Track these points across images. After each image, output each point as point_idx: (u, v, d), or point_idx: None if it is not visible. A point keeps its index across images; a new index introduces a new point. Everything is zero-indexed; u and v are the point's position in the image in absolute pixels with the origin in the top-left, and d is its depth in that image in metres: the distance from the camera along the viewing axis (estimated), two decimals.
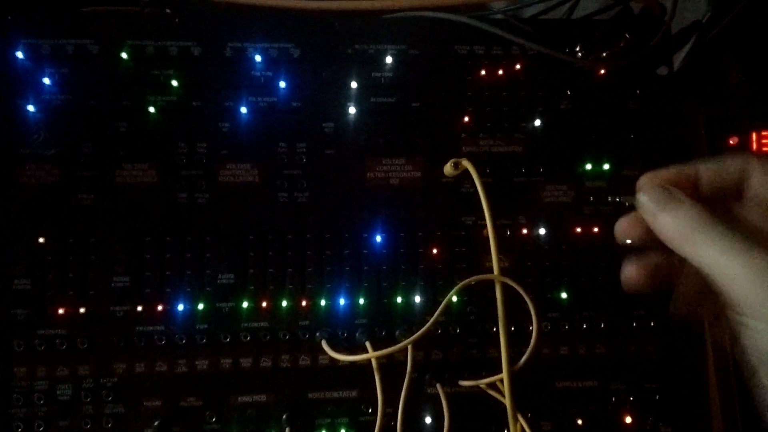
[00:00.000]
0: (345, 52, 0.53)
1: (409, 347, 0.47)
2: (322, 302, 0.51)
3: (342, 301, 0.51)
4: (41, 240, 0.49)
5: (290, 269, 0.51)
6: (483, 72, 0.54)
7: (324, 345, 0.49)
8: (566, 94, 0.55)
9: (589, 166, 0.54)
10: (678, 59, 0.65)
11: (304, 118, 0.53)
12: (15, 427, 0.48)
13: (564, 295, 0.53)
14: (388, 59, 0.53)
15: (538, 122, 0.54)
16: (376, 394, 0.48)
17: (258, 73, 0.52)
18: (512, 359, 0.46)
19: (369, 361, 0.48)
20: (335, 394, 0.51)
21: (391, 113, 0.54)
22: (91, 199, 0.49)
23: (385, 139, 0.53)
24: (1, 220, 0.48)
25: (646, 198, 0.35)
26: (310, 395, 0.51)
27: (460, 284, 0.47)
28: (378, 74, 0.53)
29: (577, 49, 0.55)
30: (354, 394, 0.51)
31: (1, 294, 0.48)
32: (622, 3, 0.54)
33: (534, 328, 0.47)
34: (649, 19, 0.53)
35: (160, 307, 0.50)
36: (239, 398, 0.50)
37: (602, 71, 0.55)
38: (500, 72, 0.54)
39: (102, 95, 0.50)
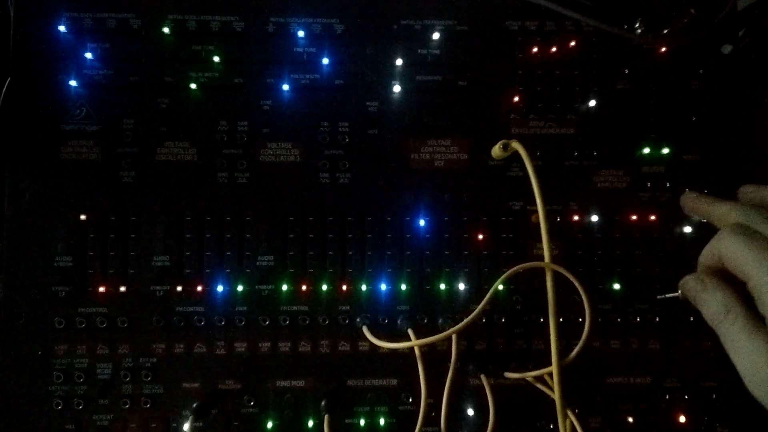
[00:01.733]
0: (390, 27, 0.51)
1: (454, 337, 0.45)
2: (363, 287, 0.50)
3: (383, 287, 0.50)
4: (83, 217, 0.48)
5: (331, 252, 0.50)
6: (535, 49, 0.51)
7: (365, 331, 0.47)
8: (624, 73, 0.52)
9: (646, 151, 0.51)
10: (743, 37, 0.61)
11: (347, 96, 0.51)
12: (55, 404, 0.47)
13: (617, 287, 0.50)
14: (435, 35, 0.51)
15: (592, 103, 0.51)
16: (416, 383, 0.46)
17: (301, 49, 0.50)
18: (561, 352, 0.44)
19: (410, 349, 0.46)
20: (375, 382, 0.50)
21: (437, 92, 0.51)
22: (132, 176, 0.49)
23: (431, 119, 0.51)
24: (44, 197, 0.48)
25: (683, 293, 0.37)
26: (349, 382, 0.50)
27: (509, 272, 0.44)
28: (424, 51, 0.51)
29: (637, 25, 0.51)
30: (394, 382, 0.50)
31: (42, 271, 0.48)
32: None
33: (587, 320, 0.44)
34: None
35: (199, 288, 0.49)
36: (277, 383, 0.49)
37: (663, 49, 0.52)
38: (553, 49, 0.52)
39: (144, 71, 0.49)
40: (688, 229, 0.50)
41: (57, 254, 0.48)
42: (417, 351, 0.45)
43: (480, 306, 0.44)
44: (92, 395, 0.48)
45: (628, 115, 0.52)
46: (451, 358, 0.47)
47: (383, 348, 0.47)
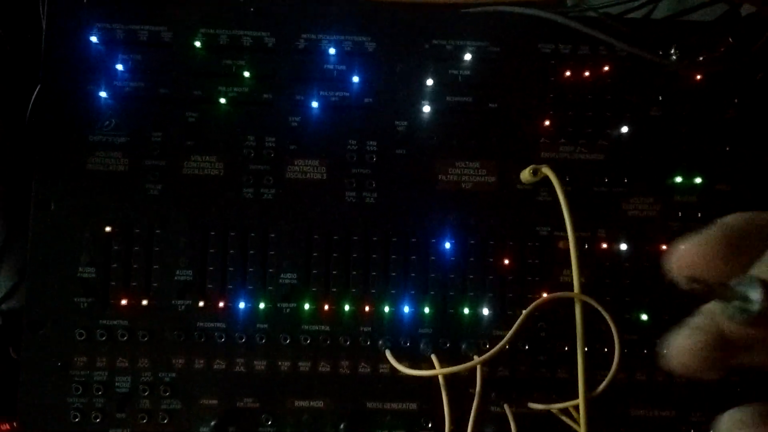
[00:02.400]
0: (422, 47, 0.51)
1: (478, 366, 0.45)
2: (386, 308, 0.49)
3: (406, 309, 0.49)
4: (108, 229, 0.48)
5: (354, 272, 0.49)
6: (567, 73, 0.51)
7: (388, 355, 0.47)
8: (657, 99, 0.51)
9: (678, 179, 0.50)
10: None
11: (376, 115, 0.50)
12: (72, 417, 0.47)
13: (644, 317, 0.49)
14: (467, 56, 0.50)
15: (624, 129, 0.50)
16: (437, 408, 0.45)
17: (331, 67, 0.50)
18: (587, 384, 0.43)
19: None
20: (395, 406, 0.49)
21: (467, 113, 0.51)
22: (159, 189, 0.49)
23: (460, 140, 0.51)
24: (69, 208, 0.48)
25: None
26: (368, 404, 0.49)
27: (537, 302, 0.43)
28: (455, 72, 0.51)
29: (672, 51, 0.50)
30: (414, 406, 0.49)
31: (65, 281, 0.48)
32: (729, 4, 0.50)
33: (616, 352, 0.43)
34: (757, 23, 0.48)
35: (221, 304, 0.48)
36: (296, 403, 0.49)
37: (698, 76, 0.51)
38: (586, 73, 0.51)
39: (173, 84, 0.49)
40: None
41: (80, 265, 0.48)
42: (441, 379, 0.45)
43: (507, 337, 0.43)
44: (110, 408, 0.48)
45: (660, 143, 0.51)
46: (471, 383, 0.46)
47: (407, 374, 0.46)
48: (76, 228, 0.48)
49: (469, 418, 0.45)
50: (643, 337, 0.49)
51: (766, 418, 0.19)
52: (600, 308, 0.42)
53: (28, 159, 0.49)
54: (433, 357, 0.46)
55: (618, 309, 0.49)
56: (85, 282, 0.48)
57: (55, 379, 0.48)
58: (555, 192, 0.44)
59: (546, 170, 0.46)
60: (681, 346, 0.19)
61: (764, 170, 0.51)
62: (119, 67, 0.48)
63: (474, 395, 0.45)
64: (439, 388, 0.45)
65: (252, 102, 0.49)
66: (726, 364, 0.19)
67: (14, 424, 0.52)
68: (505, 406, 0.47)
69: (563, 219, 0.44)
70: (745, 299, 0.15)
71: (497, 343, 0.43)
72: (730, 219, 0.20)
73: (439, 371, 0.44)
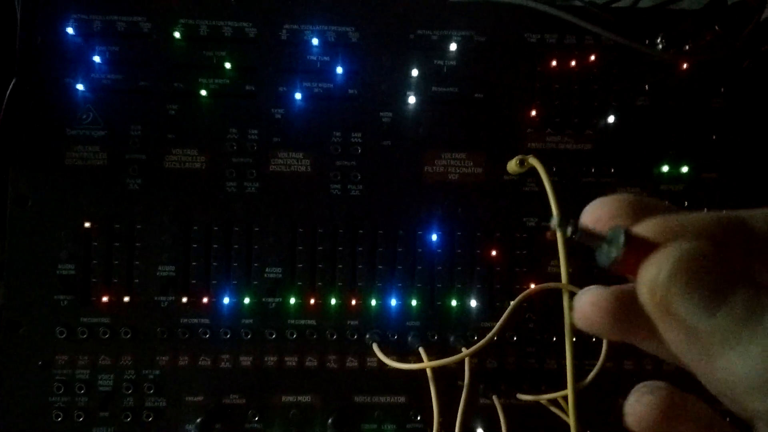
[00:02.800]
0: (407, 37, 0.50)
1: (467, 359, 0.44)
2: (373, 302, 0.49)
3: (393, 302, 0.49)
4: (87, 224, 0.47)
5: (340, 265, 0.49)
6: (554, 62, 0.50)
7: (376, 349, 0.46)
8: (644, 89, 0.50)
9: (665, 168, 0.50)
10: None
11: (360, 106, 0.49)
12: (54, 416, 0.46)
13: None
14: (452, 46, 0.50)
15: (611, 119, 0.50)
16: (425, 401, 0.45)
17: (314, 58, 0.49)
18: (576, 375, 0.42)
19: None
20: (383, 399, 0.49)
21: (452, 104, 0.50)
22: (139, 183, 0.48)
23: (446, 131, 0.50)
24: (47, 203, 0.47)
25: None
26: (356, 399, 0.49)
27: (524, 293, 0.43)
28: (440, 62, 0.50)
29: (658, 40, 0.50)
30: (402, 399, 0.49)
31: (45, 279, 0.47)
32: None
33: (604, 342, 0.43)
34: (743, 11, 0.48)
35: (205, 300, 0.48)
36: (283, 398, 0.48)
37: (684, 65, 0.51)
38: (572, 63, 0.50)
39: (153, 76, 0.48)
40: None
41: (60, 262, 0.47)
42: (429, 372, 0.44)
43: (494, 329, 0.42)
44: (93, 407, 0.47)
45: (647, 132, 0.50)
46: (460, 375, 0.46)
47: (395, 368, 0.46)
48: (54, 224, 0.47)
49: (457, 410, 0.45)
50: None
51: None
52: None
53: (3, 154, 0.47)
54: (421, 350, 0.46)
55: None
56: (64, 279, 0.47)
57: (36, 378, 0.47)
58: (542, 182, 0.44)
59: (533, 160, 0.46)
60: (583, 301, 0.19)
61: (751, 158, 0.51)
62: (97, 59, 0.47)
63: (462, 388, 0.45)
64: (427, 380, 0.45)
65: (234, 94, 0.49)
66: (624, 326, 0.18)
67: None
68: (494, 398, 0.46)
69: (550, 209, 0.43)
70: (610, 244, 0.16)
71: (485, 335, 0.43)
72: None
73: (427, 364, 0.44)
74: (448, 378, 0.48)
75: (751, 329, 0.14)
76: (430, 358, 0.45)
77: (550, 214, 0.43)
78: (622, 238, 0.16)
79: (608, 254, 0.16)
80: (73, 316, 0.47)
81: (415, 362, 0.46)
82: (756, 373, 0.14)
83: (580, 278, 0.48)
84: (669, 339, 0.16)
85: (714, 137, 0.51)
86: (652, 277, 0.15)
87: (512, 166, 0.48)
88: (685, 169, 0.50)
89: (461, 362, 0.45)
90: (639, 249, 0.15)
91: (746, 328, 0.14)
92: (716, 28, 0.48)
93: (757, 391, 0.14)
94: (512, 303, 0.43)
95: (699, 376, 0.16)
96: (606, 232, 0.16)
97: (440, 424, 0.44)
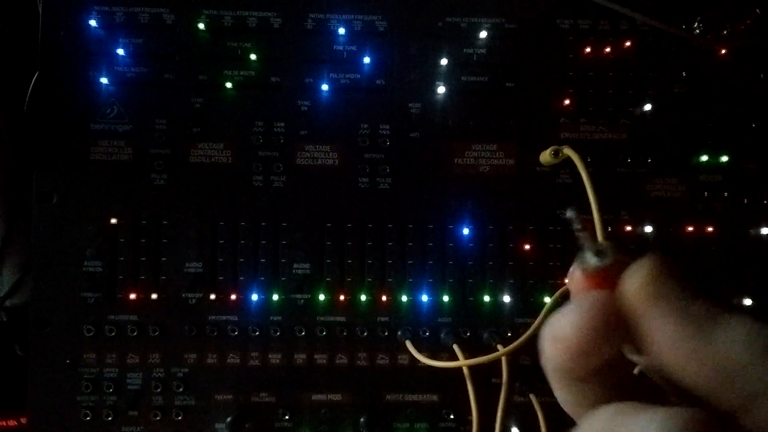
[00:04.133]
0: (435, 25, 0.48)
1: (504, 357, 0.43)
2: (403, 298, 0.48)
3: (424, 298, 0.48)
4: (113, 221, 0.46)
5: (370, 261, 0.48)
6: (587, 49, 0.49)
7: (409, 346, 0.45)
8: (681, 76, 0.49)
9: (704, 158, 0.49)
10: None
11: (388, 97, 0.48)
12: (83, 415, 0.46)
13: None
14: (482, 34, 0.48)
15: (647, 107, 0.48)
16: (458, 399, 0.45)
17: (341, 48, 0.48)
18: None
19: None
20: (415, 397, 0.48)
21: (483, 94, 0.49)
22: (165, 178, 0.47)
23: (476, 122, 0.49)
24: (73, 200, 0.46)
25: None
26: (387, 397, 0.48)
27: (562, 289, 0.41)
28: (470, 50, 0.49)
29: (696, 25, 0.48)
30: (434, 398, 0.48)
31: (71, 276, 0.46)
32: None
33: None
34: None
35: (233, 296, 0.47)
36: (313, 396, 0.47)
37: (723, 51, 0.49)
38: (607, 50, 0.49)
39: (177, 68, 0.47)
40: (748, 242, 0.48)
41: (86, 259, 0.46)
42: (466, 371, 0.43)
43: (532, 327, 0.41)
44: (122, 406, 0.46)
45: (685, 121, 0.49)
46: (493, 372, 0.45)
47: (424, 362, 0.45)
48: (80, 221, 0.46)
49: (492, 407, 0.43)
50: None
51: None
52: None
53: (28, 150, 0.47)
54: (456, 347, 0.45)
55: None
56: (91, 276, 0.46)
57: (64, 377, 0.46)
58: (576, 174, 0.42)
59: (568, 151, 0.44)
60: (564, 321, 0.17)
61: None
62: (120, 51, 0.46)
63: (497, 385, 0.44)
64: (460, 378, 0.44)
65: (259, 86, 0.47)
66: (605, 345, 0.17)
67: (21, 420, 0.51)
68: (531, 396, 0.45)
69: (585, 201, 0.42)
70: (599, 254, 0.18)
71: (519, 331, 0.41)
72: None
73: (463, 363, 0.42)
74: (480, 375, 0.47)
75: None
76: (465, 355, 0.44)
77: (588, 207, 0.41)
78: (612, 250, 0.18)
79: (600, 258, 0.18)
80: (100, 314, 0.46)
81: (447, 359, 0.45)
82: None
83: None
84: (659, 333, 0.16)
85: (753, 125, 0.49)
86: (644, 272, 0.16)
87: (545, 157, 0.47)
88: (724, 159, 0.49)
89: (495, 359, 0.44)
90: (621, 262, 0.17)
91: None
92: (756, 11, 0.46)
93: (759, 359, 0.14)
94: (549, 300, 0.42)
95: (684, 370, 0.15)
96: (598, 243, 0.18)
97: (467, 420, 0.43)
